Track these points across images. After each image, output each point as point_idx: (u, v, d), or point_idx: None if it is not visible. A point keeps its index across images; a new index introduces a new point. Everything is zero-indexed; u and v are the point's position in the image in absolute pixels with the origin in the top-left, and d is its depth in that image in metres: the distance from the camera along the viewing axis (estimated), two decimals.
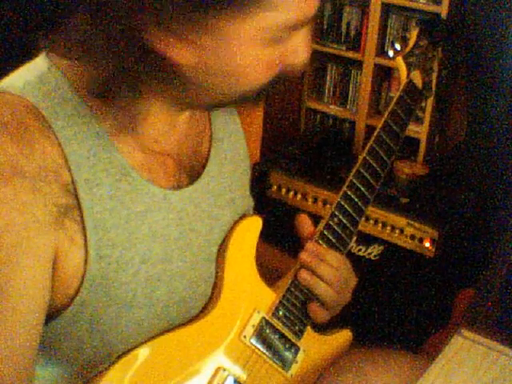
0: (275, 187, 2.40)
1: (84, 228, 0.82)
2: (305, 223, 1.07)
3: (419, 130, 2.42)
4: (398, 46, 1.26)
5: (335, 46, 2.57)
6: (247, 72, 0.82)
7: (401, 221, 2.15)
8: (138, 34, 0.76)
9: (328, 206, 2.26)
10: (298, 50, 0.85)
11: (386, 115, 1.16)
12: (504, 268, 1.56)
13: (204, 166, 0.97)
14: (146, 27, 0.75)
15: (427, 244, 2.10)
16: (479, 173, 2.12)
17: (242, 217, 1.03)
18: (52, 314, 0.85)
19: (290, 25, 0.80)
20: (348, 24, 2.56)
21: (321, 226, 1.07)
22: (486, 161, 2.07)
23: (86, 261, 0.82)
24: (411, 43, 1.27)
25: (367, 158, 1.11)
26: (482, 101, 2.04)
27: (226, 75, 0.82)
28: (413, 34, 1.28)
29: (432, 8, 2.33)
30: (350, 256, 1.10)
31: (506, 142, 1.99)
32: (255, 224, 1.03)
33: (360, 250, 2.18)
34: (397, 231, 2.15)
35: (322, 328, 1.12)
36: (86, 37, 0.77)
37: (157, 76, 0.81)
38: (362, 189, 1.10)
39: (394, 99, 1.18)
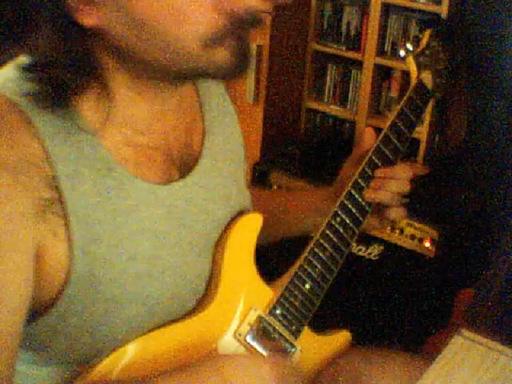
0: (275, 187, 2.40)
1: (68, 223, 0.81)
2: (370, 137, 1.11)
3: (419, 130, 2.42)
4: (409, 46, 1.25)
5: (335, 46, 2.57)
6: (186, 12, 0.76)
7: (401, 221, 2.14)
8: (69, 14, 0.77)
9: None
10: None
11: (394, 115, 1.15)
12: (504, 268, 1.56)
13: (196, 161, 0.97)
14: (76, 6, 0.76)
15: (427, 244, 2.10)
16: (479, 173, 2.12)
17: (242, 213, 1.02)
18: (40, 311, 0.85)
19: None
20: (348, 24, 2.56)
21: (323, 224, 1.07)
22: (486, 161, 2.07)
23: (71, 257, 0.82)
24: (423, 43, 1.26)
25: (373, 157, 1.10)
26: (482, 101, 2.04)
27: (164, 19, 0.77)
28: (425, 35, 1.27)
29: (432, 8, 2.33)
30: (350, 256, 1.10)
31: (506, 142, 1.98)
32: (255, 221, 1.02)
33: (360, 249, 2.18)
34: (397, 231, 2.15)
35: (321, 328, 1.12)
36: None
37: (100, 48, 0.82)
38: (367, 189, 1.09)
39: (404, 99, 1.17)
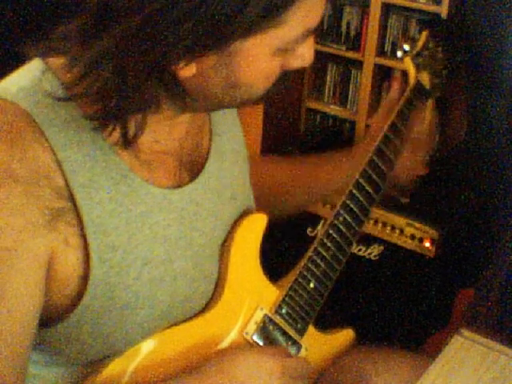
0: None
1: (82, 232, 0.82)
2: (398, 84, 1.18)
3: None
4: (406, 47, 1.26)
5: (335, 46, 2.57)
6: (251, 83, 0.83)
7: (401, 221, 2.14)
8: (165, 63, 0.77)
9: (328, 205, 2.26)
10: (304, 55, 0.86)
11: (393, 115, 1.16)
12: (504, 268, 1.56)
13: (204, 163, 0.97)
14: (173, 57, 0.76)
15: (427, 244, 2.10)
16: (479, 173, 2.12)
17: (247, 213, 1.03)
18: (56, 318, 0.85)
19: (297, 37, 0.81)
20: (348, 24, 2.56)
21: (326, 224, 1.08)
22: (486, 161, 2.07)
23: (87, 265, 0.82)
24: (420, 44, 1.27)
25: (374, 157, 1.12)
26: (482, 101, 2.04)
27: (230, 87, 0.83)
28: (422, 36, 1.28)
29: (432, 8, 2.33)
30: (350, 256, 1.10)
31: (506, 142, 1.98)
32: (260, 221, 1.03)
33: (360, 250, 2.18)
34: (397, 231, 2.15)
35: (325, 327, 1.13)
36: (103, 58, 0.76)
37: (162, 90, 0.82)
38: (368, 188, 1.11)
39: (402, 100, 1.18)
